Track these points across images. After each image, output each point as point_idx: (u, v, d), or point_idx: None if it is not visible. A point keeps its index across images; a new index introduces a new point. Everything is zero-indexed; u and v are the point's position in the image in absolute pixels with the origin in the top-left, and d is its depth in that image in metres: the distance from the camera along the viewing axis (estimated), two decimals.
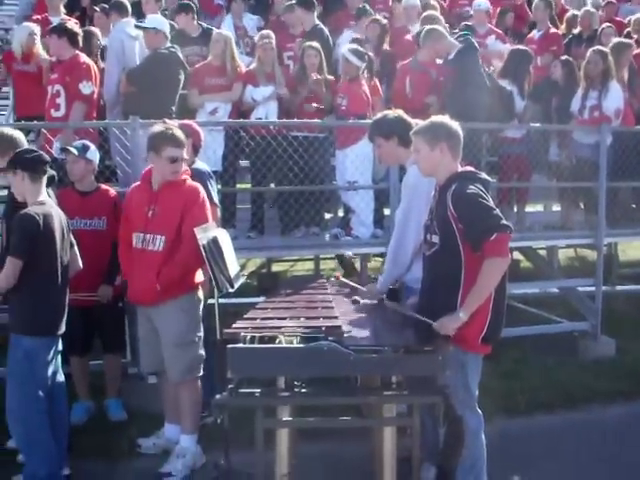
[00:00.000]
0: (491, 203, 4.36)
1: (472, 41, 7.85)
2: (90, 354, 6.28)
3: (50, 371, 4.94)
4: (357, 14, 9.68)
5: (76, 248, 5.21)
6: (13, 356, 4.87)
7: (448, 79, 7.85)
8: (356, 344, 4.15)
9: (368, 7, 9.81)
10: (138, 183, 5.48)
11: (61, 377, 5.13)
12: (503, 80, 8.31)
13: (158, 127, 5.25)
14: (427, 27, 8.09)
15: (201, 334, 5.39)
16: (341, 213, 8.23)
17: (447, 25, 9.61)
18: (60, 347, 5.05)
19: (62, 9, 9.14)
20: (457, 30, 9.05)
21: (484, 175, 4.60)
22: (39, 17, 9.10)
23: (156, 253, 5.15)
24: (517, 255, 9.20)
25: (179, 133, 5.22)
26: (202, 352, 5.39)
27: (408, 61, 8.13)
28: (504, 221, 4.27)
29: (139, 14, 8.46)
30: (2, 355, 5.12)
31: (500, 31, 10.27)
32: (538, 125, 8.30)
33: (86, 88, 6.88)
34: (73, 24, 7.44)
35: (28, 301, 4.81)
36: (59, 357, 5.08)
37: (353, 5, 10.09)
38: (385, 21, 9.28)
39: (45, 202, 4.94)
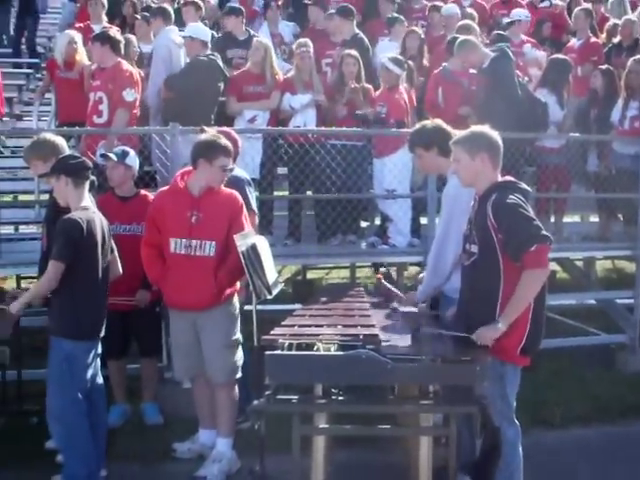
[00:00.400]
0: (531, 213, 4.36)
1: (506, 50, 7.82)
2: (127, 358, 6.34)
3: (89, 374, 5.01)
4: (389, 22, 9.68)
5: (116, 253, 5.28)
6: (54, 359, 4.94)
7: (480, 88, 7.84)
8: (394, 353, 4.16)
9: (397, 15, 9.81)
10: (168, 188, 5.50)
11: (100, 380, 5.21)
12: (542, 89, 8.27)
13: (208, 135, 5.34)
14: (461, 37, 8.09)
15: (241, 336, 5.45)
16: (378, 221, 8.23)
17: (485, 34, 9.64)
18: (100, 350, 5.11)
19: (104, 17, 9.26)
20: (488, 41, 9.06)
21: (524, 185, 4.60)
22: (81, 25, 9.25)
23: (208, 258, 5.20)
24: (554, 266, 9.11)
25: (228, 143, 5.32)
26: (242, 353, 5.44)
27: (439, 70, 8.15)
28: (544, 232, 4.26)
29: (179, 22, 8.57)
30: (43, 357, 5.20)
31: (533, 40, 10.21)
32: (577, 135, 8.24)
33: (129, 95, 6.96)
34: (115, 32, 7.54)
35: (69, 305, 4.88)
36: (98, 360, 5.15)
37: (385, 13, 10.13)
38: (421, 32, 9.29)
39: (88, 207, 5.02)
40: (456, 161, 4.59)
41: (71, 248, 4.79)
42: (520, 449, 4.58)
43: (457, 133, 4.84)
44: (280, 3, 10.78)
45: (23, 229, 8.75)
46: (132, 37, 8.40)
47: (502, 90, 7.58)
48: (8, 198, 8.62)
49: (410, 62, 8.29)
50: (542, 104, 7.99)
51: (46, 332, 5.19)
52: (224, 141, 5.30)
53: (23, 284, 8.83)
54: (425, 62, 9.02)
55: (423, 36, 9.27)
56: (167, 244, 5.28)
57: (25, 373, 6.24)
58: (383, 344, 4.24)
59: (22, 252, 7.23)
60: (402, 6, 10.78)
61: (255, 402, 4.19)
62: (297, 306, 5.97)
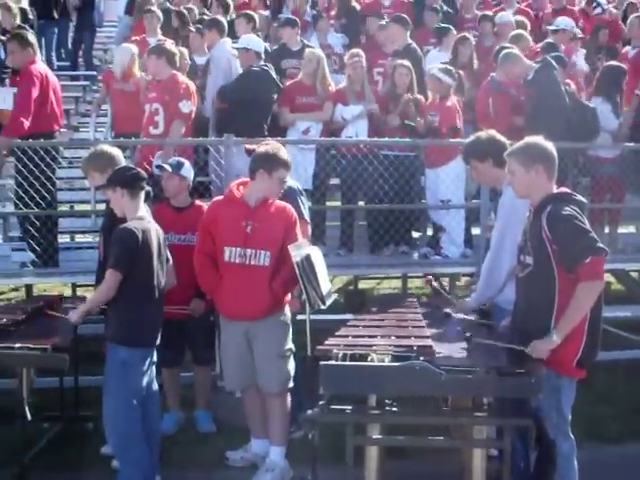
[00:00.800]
0: (587, 225, 4.32)
1: (549, 60, 7.81)
2: (181, 366, 6.41)
3: (145, 381, 5.07)
4: (439, 32, 9.71)
5: (171, 263, 5.35)
6: (110, 366, 5.02)
7: (528, 100, 7.82)
8: (448, 364, 4.16)
9: (447, 25, 9.82)
10: (223, 198, 5.57)
11: (155, 387, 5.26)
12: (596, 98, 8.20)
13: (268, 147, 5.42)
14: (504, 50, 8.13)
15: (293, 345, 5.50)
16: (430, 232, 8.23)
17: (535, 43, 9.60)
18: (155, 358, 5.18)
19: (159, 30, 9.41)
20: (539, 50, 9.04)
21: (579, 197, 4.56)
22: (137, 38, 9.41)
23: (263, 268, 5.25)
24: (608, 277, 9.00)
25: (288, 156, 5.42)
26: (294, 363, 5.47)
27: (487, 81, 8.17)
28: (600, 244, 4.23)
29: (230, 34, 8.70)
30: (99, 365, 5.29)
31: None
32: (632, 145, 8.13)
33: (185, 107, 7.09)
34: (170, 44, 7.67)
35: (125, 313, 4.96)
36: (153, 368, 5.21)
37: (430, 23, 10.22)
38: (473, 39, 9.30)
39: (143, 217, 5.09)
40: (511, 173, 4.57)
41: (127, 257, 4.87)
42: (575, 463, 4.52)
43: (511, 144, 4.83)
44: (332, 14, 10.89)
45: (80, 238, 8.91)
46: (184, 49, 8.52)
47: (550, 100, 7.56)
48: (65, 208, 8.76)
49: (461, 72, 8.29)
50: (591, 109, 7.93)
51: (103, 339, 5.28)
52: (284, 154, 5.39)
53: (79, 292, 8.98)
54: (475, 67, 9.01)
55: (474, 44, 9.28)
56: (221, 253, 5.33)
57: (82, 380, 6.34)
58: (437, 355, 4.24)
59: (79, 261, 7.39)
60: (454, 16, 10.82)
61: (309, 412, 4.22)
62: (349, 316, 5.99)
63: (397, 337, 4.56)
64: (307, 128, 7.72)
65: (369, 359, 4.20)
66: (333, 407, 4.21)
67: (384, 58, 9.04)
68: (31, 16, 11.29)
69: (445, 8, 10.88)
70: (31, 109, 7.01)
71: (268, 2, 11.63)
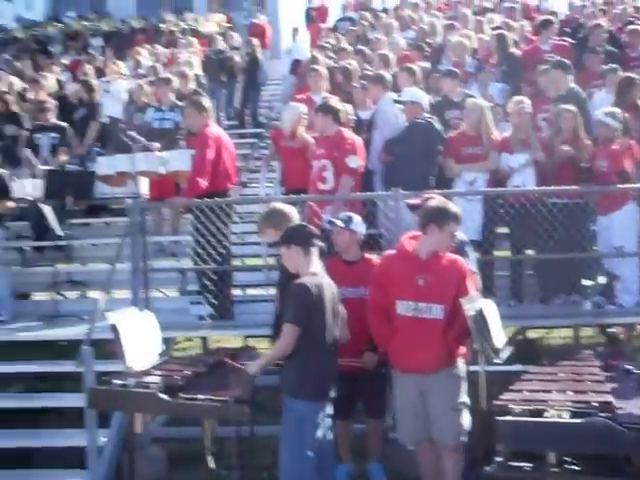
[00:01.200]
0: None
1: None
2: (353, 418, 6.47)
3: (320, 433, 5.16)
4: (604, 73, 9.58)
5: (345, 316, 5.47)
6: (286, 418, 5.16)
7: None
8: (630, 422, 4.03)
9: (612, 65, 9.63)
10: (395, 252, 5.66)
11: (330, 438, 5.33)
12: None
13: (439, 202, 5.54)
14: None
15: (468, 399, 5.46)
16: (601, 280, 7.98)
17: None
18: (330, 411, 5.28)
19: (324, 87, 9.70)
20: None
21: None
22: (303, 96, 9.73)
23: (437, 321, 5.31)
24: None
25: (458, 209, 5.51)
26: (469, 417, 5.43)
27: None
28: None
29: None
30: (274, 414, 5.44)
31: None
32: None
33: (353, 162, 7.29)
34: (336, 101, 7.93)
35: (301, 367, 5.09)
36: (329, 420, 5.30)
37: (592, 65, 10.11)
38: (637, 79, 9.06)
39: (317, 273, 5.24)
40: None
41: (304, 312, 5.02)
42: None
43: None
44: (492, 61, 10.89)
45: (252, 291, 9.21)
46: (348, 105, 8.73)
47: None
48: (237, 262, 9.09)
49: (626, 115, 8.08)
50: None
51: (277, 390, 5.44)
52: (453, 207, 5.46)
53: (250, 341, 9.24)
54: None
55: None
56: (394, 306, 5.42)
57: (257, 429, 6.51)
58: (618, 412, 4.12)
59: (253, 314, 7.64)
60: (618, 55, 10.60)
61: (487, 468, 4.19)
62: (519, 366, 5.91)
63: (574, 392, 4.46)
64: (474, 179, 7.73)
65: (546, 415, 4.14)
66: (511, 464, 4.15)
67: (547, 103, 8.94)
68: (203, 81, 11.97)
69: (608, 48, 10.69)
70: (207, 170, 7.42)
71: (427, 53, 11.81)
